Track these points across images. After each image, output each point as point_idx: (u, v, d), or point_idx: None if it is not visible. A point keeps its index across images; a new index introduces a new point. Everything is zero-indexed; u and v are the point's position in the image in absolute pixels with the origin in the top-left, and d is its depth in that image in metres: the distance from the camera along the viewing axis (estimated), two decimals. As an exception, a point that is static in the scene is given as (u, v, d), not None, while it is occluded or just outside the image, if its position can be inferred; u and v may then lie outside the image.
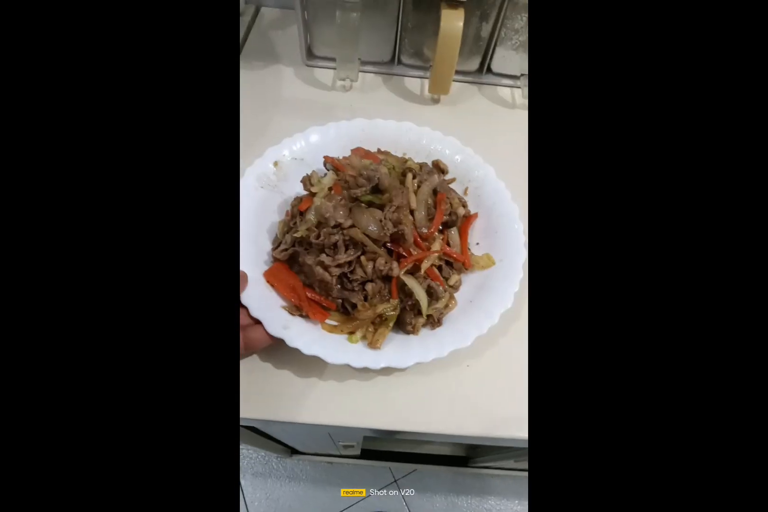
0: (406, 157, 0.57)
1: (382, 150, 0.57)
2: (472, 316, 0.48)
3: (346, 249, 0.47)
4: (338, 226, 0.47)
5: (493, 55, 0.71)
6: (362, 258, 0.47)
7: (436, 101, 0.72)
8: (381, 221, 0.47)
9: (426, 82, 0.72)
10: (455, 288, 0.52)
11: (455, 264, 0.52)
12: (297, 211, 0.49)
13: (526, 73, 0.70)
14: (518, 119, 0.70)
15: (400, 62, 0.75)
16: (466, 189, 0.57)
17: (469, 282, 0.52)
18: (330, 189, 0.49)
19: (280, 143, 0.56)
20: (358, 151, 0.54)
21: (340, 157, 0.53)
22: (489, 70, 0.74)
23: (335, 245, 0.47)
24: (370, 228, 0.46)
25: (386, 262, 0.47)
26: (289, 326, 0.45)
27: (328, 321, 0.48)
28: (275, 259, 0.50)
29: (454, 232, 0.53)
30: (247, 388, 0.45)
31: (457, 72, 0.71)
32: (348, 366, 0.44)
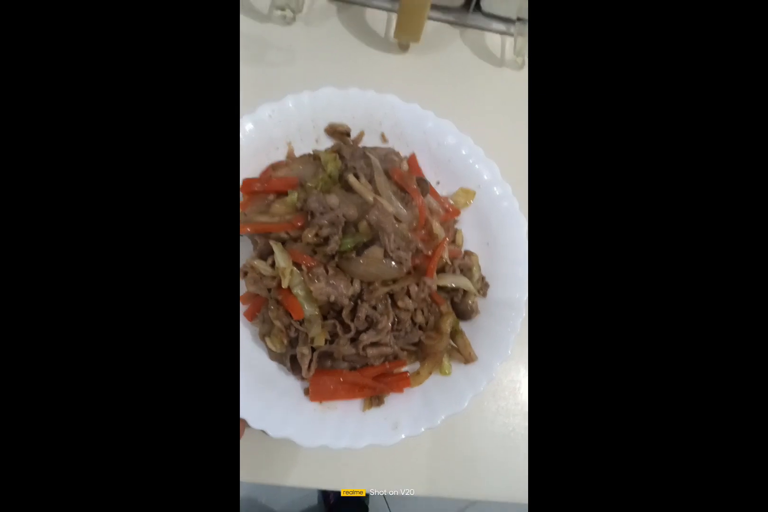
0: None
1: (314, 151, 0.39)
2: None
3: (376, 308, 0.36)
4: (353, 298, 0.34)
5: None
6: (398, 302, 0.36)
7: (404, 48, 0.51)
8: (390, 254, 0.34)
9: (394, 16, 0.49)
10: (462, 244, 0.44)
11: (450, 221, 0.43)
12: (288, 321, 0.34)
13: (526, 17, 0.49)
14: (504, 81, 0.53)
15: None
16: (383, 134, 0.43)
17: (464, 226, 0.44)
18: (295, 265, 0.33)
19: None
20: (249, 187, 0.36)
21: (245, 213, 0.35)
22: (478, 8, 0.52)
23: (367, 317, 0.35)
24: (387, 272, 0.35)
25: (419, 285, 0.37)
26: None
27: (407, 368, 0.40)
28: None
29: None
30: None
31: (436, 7, 0.50)
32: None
